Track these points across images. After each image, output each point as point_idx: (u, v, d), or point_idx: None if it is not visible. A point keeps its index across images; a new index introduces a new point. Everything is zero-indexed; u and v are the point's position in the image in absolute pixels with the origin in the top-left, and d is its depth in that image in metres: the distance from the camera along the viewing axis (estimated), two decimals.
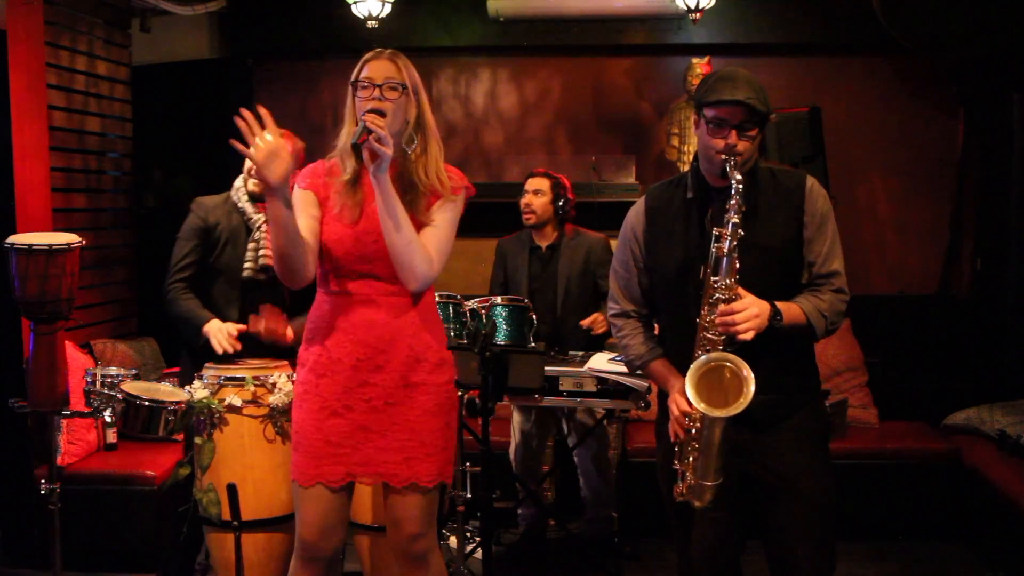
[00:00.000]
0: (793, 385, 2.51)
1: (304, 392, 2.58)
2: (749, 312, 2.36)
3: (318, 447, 2.54)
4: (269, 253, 3.45)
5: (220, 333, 3.36)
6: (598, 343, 4.24)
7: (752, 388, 2.31)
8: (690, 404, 2.38)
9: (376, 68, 2.52)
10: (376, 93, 2.49)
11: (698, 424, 2.41)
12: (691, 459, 2.44)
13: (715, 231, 2.40)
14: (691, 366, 2.39)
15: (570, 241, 4.38)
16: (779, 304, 2.41)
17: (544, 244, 4.40)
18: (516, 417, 4.39)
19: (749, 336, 2.36)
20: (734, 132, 2.42)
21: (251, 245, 3.51)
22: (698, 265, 2.45)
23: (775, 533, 2.52)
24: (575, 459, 4.37)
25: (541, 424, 4.38)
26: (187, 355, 3.61)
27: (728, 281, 2.37)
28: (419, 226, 2.53)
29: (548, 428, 4.43)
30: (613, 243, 4.06)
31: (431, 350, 2.60)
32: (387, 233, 2.45)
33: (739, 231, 2.37)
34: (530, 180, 4.39)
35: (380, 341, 2.53)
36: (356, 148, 2.39)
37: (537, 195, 4.33)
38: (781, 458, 2.47)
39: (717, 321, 2.37)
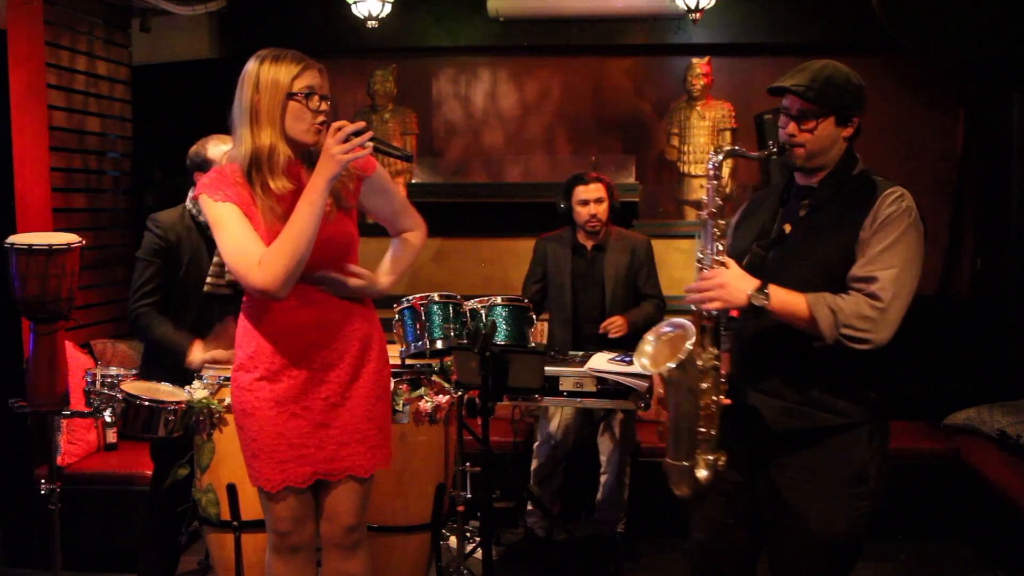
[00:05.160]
0: (817, 401, 2.34)
1: (256, 399, 2.53)
2: (713, 281, 2.31)
3: (281, 451, 2.52)
4: None
5: (207, 358, 3.33)
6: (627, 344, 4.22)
7: (688, 348, 2.25)
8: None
9: (315, 77, 2.49)
10: (324, 106, 2.47)
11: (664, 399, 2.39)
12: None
13: (703, 197, 2.40)
14: (647, 334, 2.37)
15: (615, 242, 4.35)
16: (777, 288, 2.29)
17: (590, 244, 4.37)
18: (557, 418, 4.36)
19: (712, 306, 2.31)
20: (792, 123, 2.39)
21: (216, 260, 3.41)
22: (759, 253, 2.43)
23: (778, 562, 2.47)
24: (602, 458, 4.35)
25: (575, 424, 4.38)
26: (152, 364, 3.58)
27: (708, 250, 2.36)
28: (343, 221, 2.54)
29: (580, 429, 4.43)
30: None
31: (374, 339, 2.62)
32: (311, 232, 2.39)
33: (717, 199, 2.37)
34: (586, 188, 4.27)
35: (333, 341, 2.53)
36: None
37: (600, 203, 4.27)
38: (793, 488, 2.37)
39: (690, 288, 2.35)
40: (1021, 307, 5.06)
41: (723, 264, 2.35)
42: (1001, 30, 4.61)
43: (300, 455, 2.53)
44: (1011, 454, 4.32)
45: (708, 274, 2.33)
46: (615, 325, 4.17)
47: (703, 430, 2.37)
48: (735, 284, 2.30)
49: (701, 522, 2.54)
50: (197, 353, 3.37)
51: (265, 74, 2.44)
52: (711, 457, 2.38)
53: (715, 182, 2.41)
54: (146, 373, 3.46)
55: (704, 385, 2.35)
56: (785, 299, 2.29)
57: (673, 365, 2.26)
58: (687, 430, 2.35)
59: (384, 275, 2.72)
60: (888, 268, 2.27)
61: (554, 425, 4.34)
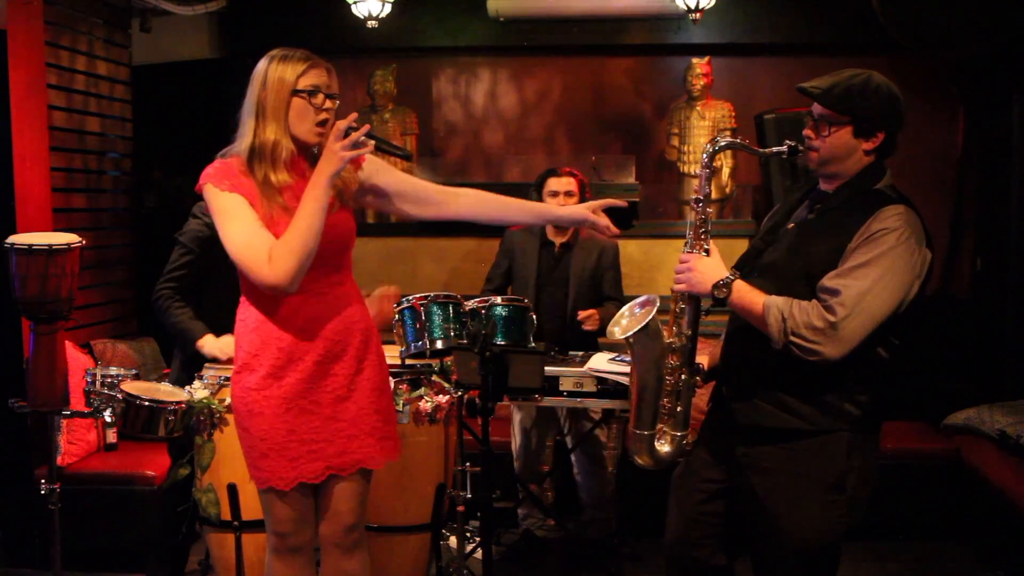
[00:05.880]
0: (784, 403, 2.33)
1: (264, 398, 2.53)
2: (684, 265, 2.39)
3: (293, 448, 2.52)
4: None
5: (226, 347, 3.34)
6: (593, 339, 4.24)
7: (645, 320, 2.35)
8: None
9: (321, 76, 2.49)
10: (329, 104, 2.48)
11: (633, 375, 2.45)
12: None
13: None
14: (623, 308, 2.51)
15: (584, 241, 4.36)
16: (742, 284, 2.32)
17: (559, 241, 4.37)
18: (517, 417, 4.38)
19: (678, 288, 2.39)
20: (811, 126, 2.39)
21: None
22: (758, 246, 2.47)
23: (756, 564, 2.49)
24: (573, 462, 4.37)
25: (543, 423, 4.38)
26: (178, 359, 3.60)
27: (691, 235, 2.42)
28: (345, 214, 2.56)
29: (549, 427, 4.43)
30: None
31: (372, 331, 2.64)
32: (318, 227, 2.41)
33: (707, 187, 2.44)
34: (558, 180, 4.29)
35: (336, 333, 2.54)
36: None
37: (570, 196, 4.27)
38: (768, 491, 2.37)
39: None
40: (1021, 307, 5.06)
41: (706, 250, 2.40)
42: (1001, 30, 4.62)
43: (311, 450, 2.53)
44: (1011, 454, 4.32)
45: (685, 257, 2.40)
46: (592, 318, 4.19)
47: (667, 403, 2.42)
48: (704, 271, 2.35)
49: (677, 518, 2.55)
50: (209, 340, 3.37)
51: (272, 72, 2.47)
52: (678, 433, 2.43)
53: (707, 170, 2.44)
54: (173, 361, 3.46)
55: (673, 361, 2.41)
56: (744, 295, 2.31)
57: (636, 330, 2.35)
58: (650, 400, 2.41)
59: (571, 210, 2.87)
60: (855, 284, 2.22)
61: (524, 424, 4.35)
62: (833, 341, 2.21)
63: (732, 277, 2.34)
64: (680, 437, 2.42)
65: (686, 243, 2.45)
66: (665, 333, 2.45)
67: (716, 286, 2.32)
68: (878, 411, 2.37)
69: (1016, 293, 5.10)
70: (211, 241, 3.42)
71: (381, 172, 2.67)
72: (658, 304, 2.44)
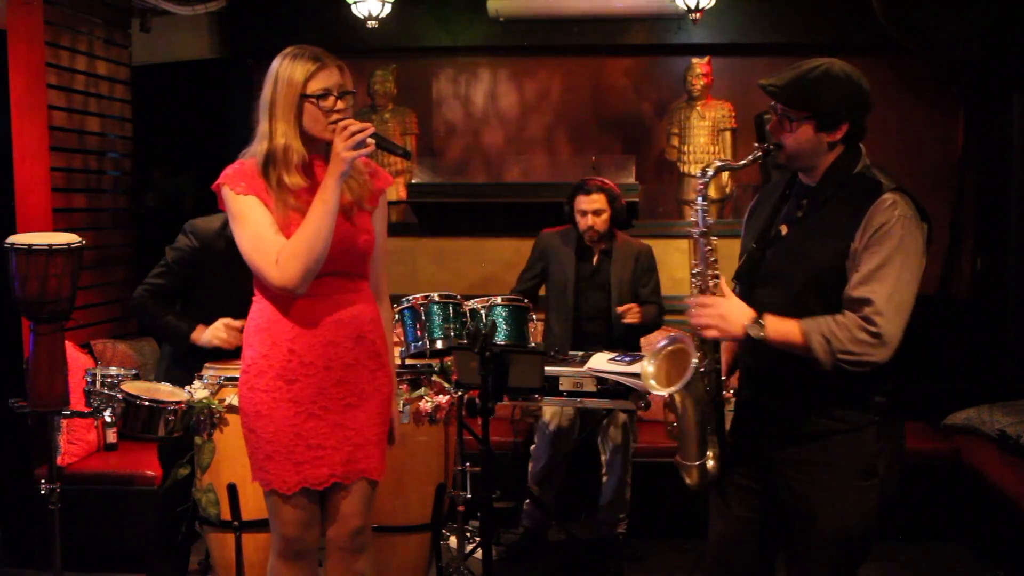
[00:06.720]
0: (821, 407, 2.34)
1: (273, 400, 2.52)
2: (712, 311, 2.32)
3: (299, 452, 2.51)
4: None
5: (218, 331, 3.33)
6: (636, 339, 4.25)
7: (689, 374, 2.28)
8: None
9: (332, 77, 2.48)
10: (341, 105, 2.48)
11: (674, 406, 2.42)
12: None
13: (692, 217, 2.42)
14: (646, 356, 2.42)
15: (621, 247, 4.38)
16: (772, 318, 2.29)
17: (598, 249, 4.38)
18: (551, 421, 4.34)
19: (710, 334, 2.33)
20: (775, 123, 2.36)
21: None
22: (755, 253, 2.44)
23: (791, 557, 2.48)
24: (603, 459, 4.35)
25: (572, 428, 4.36)
26: (167, 358, 3.59)
27: (701, 269, 2.36)
28: (364, 220, 2.57)
29: (574, 431, 4.41)
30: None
31: (381, 340, 2.63)
32: (327, 231, 2.43)
33: (708, 219, 2.39)
34: (587, 199, 4.25)
35: (348, 339, 2.54)
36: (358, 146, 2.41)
37: (599, 215, 4.26)
38: (803, 482, 2.37)
39: (689, 311, 2.37)
40: (1021, 307, 5.06)
41: (722, 292, 2.36)
42: (1001, 30, 4.61)
43: (317, 456, 2.52)
44: (1011, 454, 4.32)
45: (706, 301, 2.34)
46: (632, 311, 4.19)
47: (711, 430, 2.42)
48: (732, 316, 2.30)
49: (720, 517, 2.55)
50: (201, 331, 3.35)
51: (283, 72, 2.47)
52: (720, 449, 2.44)
53: (705, 203, 2.41)
54: (176, 371, 3.44)
55: (708, 388, 2.41)
56: (780, 328, 2.28)
57: (680, 386, 2.31)
58: (698, 435, 2.40)
59: None
60: (882, 288, 2.22)
61: (552, 426, 4.33)
62: (880, 348, 2.23)
63: (761, 314, 2.31)
64: (722, 450, 2.44)
65: (693, 280, 2.39)
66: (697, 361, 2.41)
67: (750, 327, 2.29)
68: (902, 394, 2.39)
69: (1016, 293, 5.09)
70: (195, 266, 3.39)
71: (377, 224, 2.65)
72: (692, 347, 2.35)
